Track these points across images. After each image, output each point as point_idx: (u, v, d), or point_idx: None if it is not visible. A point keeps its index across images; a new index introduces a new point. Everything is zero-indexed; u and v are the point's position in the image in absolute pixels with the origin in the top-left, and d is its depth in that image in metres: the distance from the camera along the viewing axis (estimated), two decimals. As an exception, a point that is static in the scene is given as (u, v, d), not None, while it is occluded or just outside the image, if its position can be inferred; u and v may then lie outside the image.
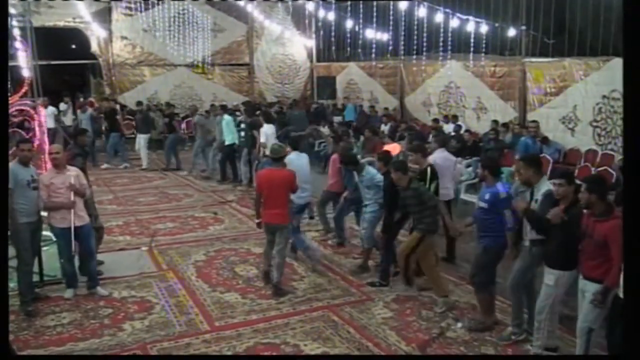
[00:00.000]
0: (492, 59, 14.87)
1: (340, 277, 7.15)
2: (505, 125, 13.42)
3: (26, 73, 18.47)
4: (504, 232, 5.46)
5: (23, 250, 5.97)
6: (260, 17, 20.78)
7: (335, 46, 20.89)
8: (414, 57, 17.35)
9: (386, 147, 11.24)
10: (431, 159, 7.36)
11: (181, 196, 11.73)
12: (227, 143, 12.52)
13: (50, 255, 6.86)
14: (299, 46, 22.67)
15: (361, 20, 17.93)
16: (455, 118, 15.21)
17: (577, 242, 4.64)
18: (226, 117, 12.74)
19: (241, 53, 22.10)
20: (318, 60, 22.78)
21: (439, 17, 14.34)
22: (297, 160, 7.60)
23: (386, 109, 18.39)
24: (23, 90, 7.71)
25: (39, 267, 6.68)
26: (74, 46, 20.80)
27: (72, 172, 6.35)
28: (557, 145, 12.33)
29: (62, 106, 16.23)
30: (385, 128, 16.48)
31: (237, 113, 14.02)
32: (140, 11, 19.59)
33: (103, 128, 15.66)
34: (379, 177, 7.11)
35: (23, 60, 15.10)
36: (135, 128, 15.86)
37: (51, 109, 14.84)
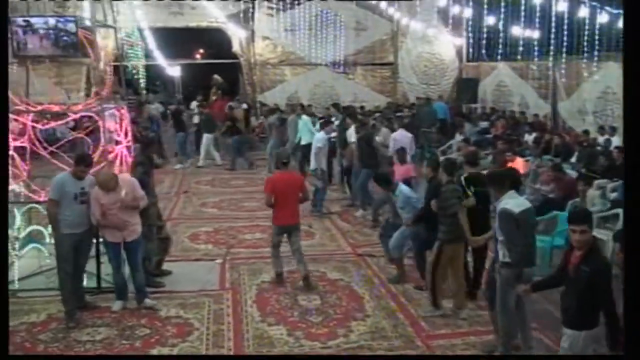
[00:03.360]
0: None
1: (410, 323, 6.05)
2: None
3: (174, 72, 19.27)
4: None
5: (63, 261, 5.83)
6: (405, 14, 19.73)
7: (484, 45, 19.17)
8: (570, 57, 15.15)
9: (511, 164, 9.74)
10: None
11: (286, 203, 11.26)
12: (302, 143, 12.50)
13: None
14: (447, 44, 21.15)
15: (512, 17, 16.16)
16: (613, 130, 12.89)
17: (601, 297, 4.00)
18: (304, 117, 13.12)
19: (385, 52, 21.25)
20: (467, 60, 21.12)
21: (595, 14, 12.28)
22: None
23: (536, 115, 16.34)
24: (105, 91, 7.56)
25: (97, 273, 6.59)
26: (235, 44, 21.18)
27: (126, 183, 6.02)
28: None
29: (193, 104, 16.74)
30: (529, 138, 14.60)
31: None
32: (283, 10, 19.65)
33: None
34: (414, 197, 7.09)
35: (162, 60, 15.73)
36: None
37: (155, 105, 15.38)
